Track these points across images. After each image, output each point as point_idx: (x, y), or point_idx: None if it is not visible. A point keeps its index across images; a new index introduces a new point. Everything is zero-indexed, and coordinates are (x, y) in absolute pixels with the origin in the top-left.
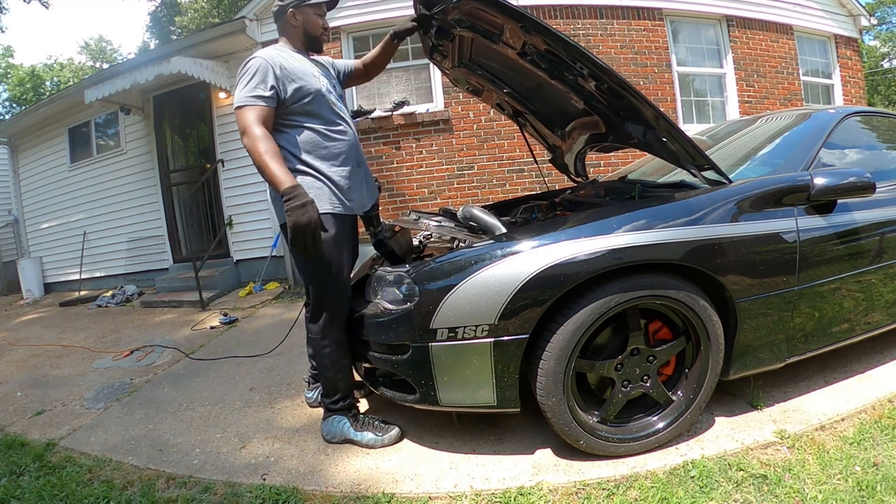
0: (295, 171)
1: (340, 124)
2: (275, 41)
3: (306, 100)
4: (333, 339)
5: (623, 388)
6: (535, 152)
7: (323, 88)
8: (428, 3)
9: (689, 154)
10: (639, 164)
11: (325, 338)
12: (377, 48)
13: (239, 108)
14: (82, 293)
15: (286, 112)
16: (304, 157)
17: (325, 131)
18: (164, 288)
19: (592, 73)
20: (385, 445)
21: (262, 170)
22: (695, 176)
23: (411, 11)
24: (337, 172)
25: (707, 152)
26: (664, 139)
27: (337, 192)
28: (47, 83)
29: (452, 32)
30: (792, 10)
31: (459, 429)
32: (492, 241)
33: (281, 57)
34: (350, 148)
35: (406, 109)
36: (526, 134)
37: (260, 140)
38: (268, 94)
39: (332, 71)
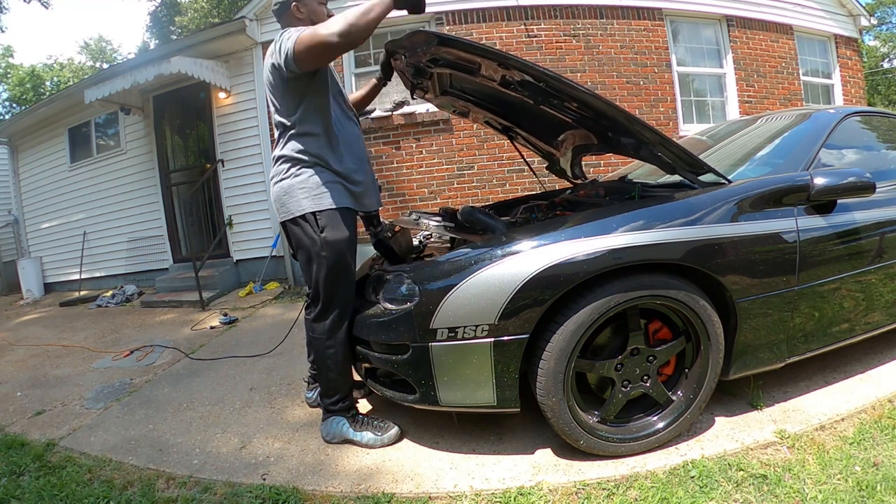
0: (307, 166)
1: (351, 119)
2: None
3: (325, 85)
4: (339, 339)
5: (623, 388)
6: (529, 158)
7: (336, 77)
8: (397, 48)
9: (685, 162)
10: (639, 163)
11: (332, 338)
12: (363, 90)
13: (298, 38)
14: (82, 293)
15: (308, 94)
16: (320, 152)
17: (339, 125)
18: (164, 288)
19: (576, 98)
20: (385, 445)
21: (369, 22)
22: (692, 182)
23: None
24: (349, 169)
25: (707, 152)
26: (658, 153)
27: (350, 187)
28: (47, 83)
29: (429, 71)
30: (792, 10)
31: (459, 429)
32: (492, 241)
33: None
34: (360, 146)
35: (406, 109)
36: (517, 145)
37: (336, 19)
38: None
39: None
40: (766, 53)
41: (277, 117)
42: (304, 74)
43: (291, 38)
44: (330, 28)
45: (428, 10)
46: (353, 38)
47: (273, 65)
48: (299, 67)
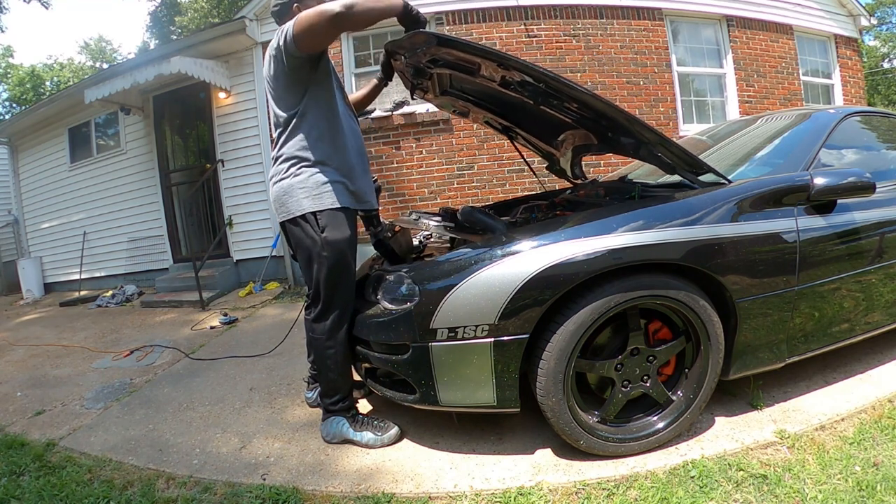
0: (308, 165)
1: (352, 117)
2: None
3: (329, 75)
4: (339, 339)
5: (623, 388)
6: (529, 158)
7: (334, 74)
8: (397, 48)
9: (685, 162)
10: (639, 163)
11: (332, 338)
12: (363, 90)
13: (299, 16)
14: (82, 293)
15: (311, 85)
16: (322, 150)
17: (337, 123)
18: (164, 288)
19: (576, 99)
20: (384, 445)
21: (374, 9)
22: (692, 182)
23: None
24: (350, 168)
25: (707, 152)
26: (658, 153)
27: (351, 186)
28: (47, 83)
29: (429, 71)
30: (792, 10)
31: (459, 429)
32: (492, 241)
33: None
34: (360, 145)
35: (406, 109)
36: (517, 145)
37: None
38: None
39: None
40: (766, 53)
41: (278, 112)
42: (306, 63)
43: (292, 21)
44: (334, 3)
45: (428, 10)
46: (354, 14)
47: (273, 55)
48: (299, 47)
